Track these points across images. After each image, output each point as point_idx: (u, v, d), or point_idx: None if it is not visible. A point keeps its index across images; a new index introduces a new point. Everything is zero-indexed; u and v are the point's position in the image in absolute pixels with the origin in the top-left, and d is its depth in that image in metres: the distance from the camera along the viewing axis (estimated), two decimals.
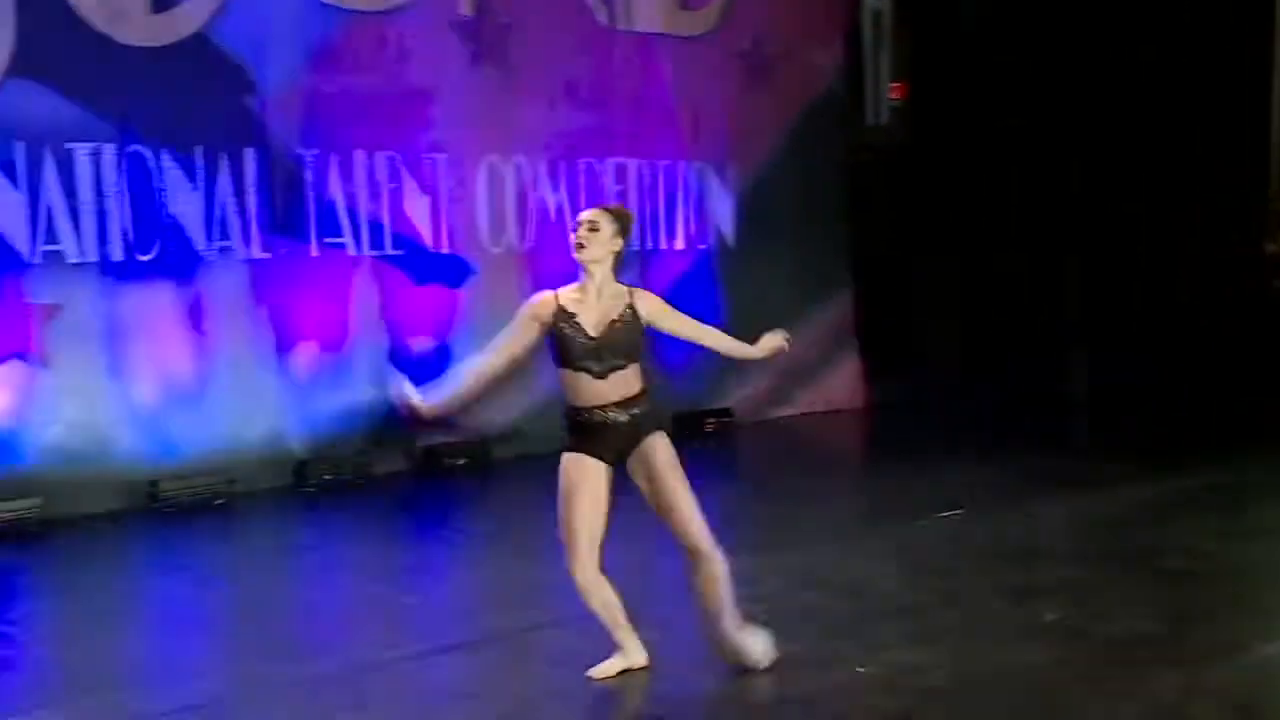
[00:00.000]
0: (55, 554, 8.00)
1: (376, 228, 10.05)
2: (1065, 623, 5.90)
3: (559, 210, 11.03)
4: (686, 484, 5.07)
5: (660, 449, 5.04)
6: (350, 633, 6.21)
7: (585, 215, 5.08)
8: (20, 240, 8.55)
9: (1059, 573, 6.77)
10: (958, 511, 8.08)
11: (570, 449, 5.04)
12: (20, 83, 8.47)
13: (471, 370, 5.18)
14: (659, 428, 5.08)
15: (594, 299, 4.99)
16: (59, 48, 8.63)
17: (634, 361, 5.01)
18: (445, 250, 10.40)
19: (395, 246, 10.14)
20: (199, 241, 9.22)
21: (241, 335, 9.37)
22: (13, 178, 8.52)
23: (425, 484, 9.89)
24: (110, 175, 8.86)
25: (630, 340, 4.97)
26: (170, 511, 8.72)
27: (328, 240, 9.79)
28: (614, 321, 4.96)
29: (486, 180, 10.62)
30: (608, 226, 5.01)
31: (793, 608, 6.33)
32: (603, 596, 5.14)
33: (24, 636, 6.51)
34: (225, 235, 9.34)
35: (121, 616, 6.78)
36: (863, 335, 13.16)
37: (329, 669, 5.50)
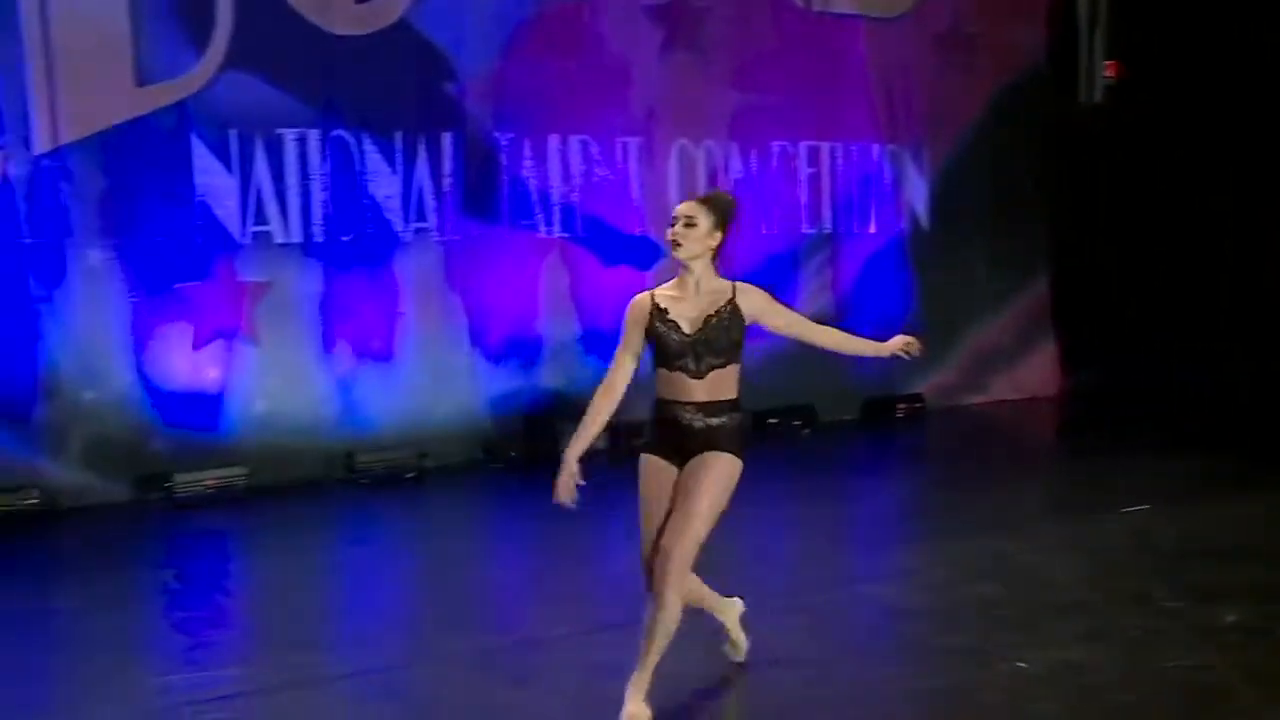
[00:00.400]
0: (258, 520, 8.41)
1: (568, 210, 10.25)
2: (1246, 625, 5.72)
3: (751, 194, 11.06)
4: (707, 515, 4.67)
5: (717, 467, 4.67)
6: (524, 608, 6.40)
7: (681, 209, 4.80)
8: (232, 222, 9.00)
9: (1246, 573, 6.53)
10: (1144, 507, 7.87)
11: (645, 448, 4.77)
12: (234, 74, 8.89)
13: (594, 411, 4.78)
14: (733, 450, 4.71)
15: (692, 295, 4.73)
16: (271, 39, 9.03)
17: (733, 361, 4.71)
18: (636, 232, 10.55)
19: (585, 229, 10.33)
20: (397, 223, 9.56)
21: (435, 314, 9.68)
22: (226, 163, 8.97)
23: (614, 463, 10.05)
24: (315, 159, 9.26)
25: (728, 338, 4.68)
26: (365, 483, 9.08)
27: (520, 222, 10.04)
28: (710, 318, 4.69)
29: (677, 163, 10.72)
30: (705, 220, 4.74)
31: (963, 598, 6.29)
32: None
33: (228, 597, 6.90)
34: (422, 217, 9.66)
35: (315, 581, 7.12)
36: (1060, 322, 12.84)
37: (500, 642, 5.69)
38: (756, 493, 8.57)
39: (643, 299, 4.81)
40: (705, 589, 5.09)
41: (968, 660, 5.39)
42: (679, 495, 4.66)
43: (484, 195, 9.91)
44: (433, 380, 9.65)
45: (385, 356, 9.50)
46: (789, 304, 11.25)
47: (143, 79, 8.66)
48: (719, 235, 4.77)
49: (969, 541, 7.30)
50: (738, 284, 4.78)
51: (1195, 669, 5.21)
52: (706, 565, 6.98)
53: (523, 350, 10.03)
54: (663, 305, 4.74)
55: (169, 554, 7.75)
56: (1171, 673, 5.20)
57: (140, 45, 8.62)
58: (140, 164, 8.64)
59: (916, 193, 12.03)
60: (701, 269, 4.75)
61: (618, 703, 4.72)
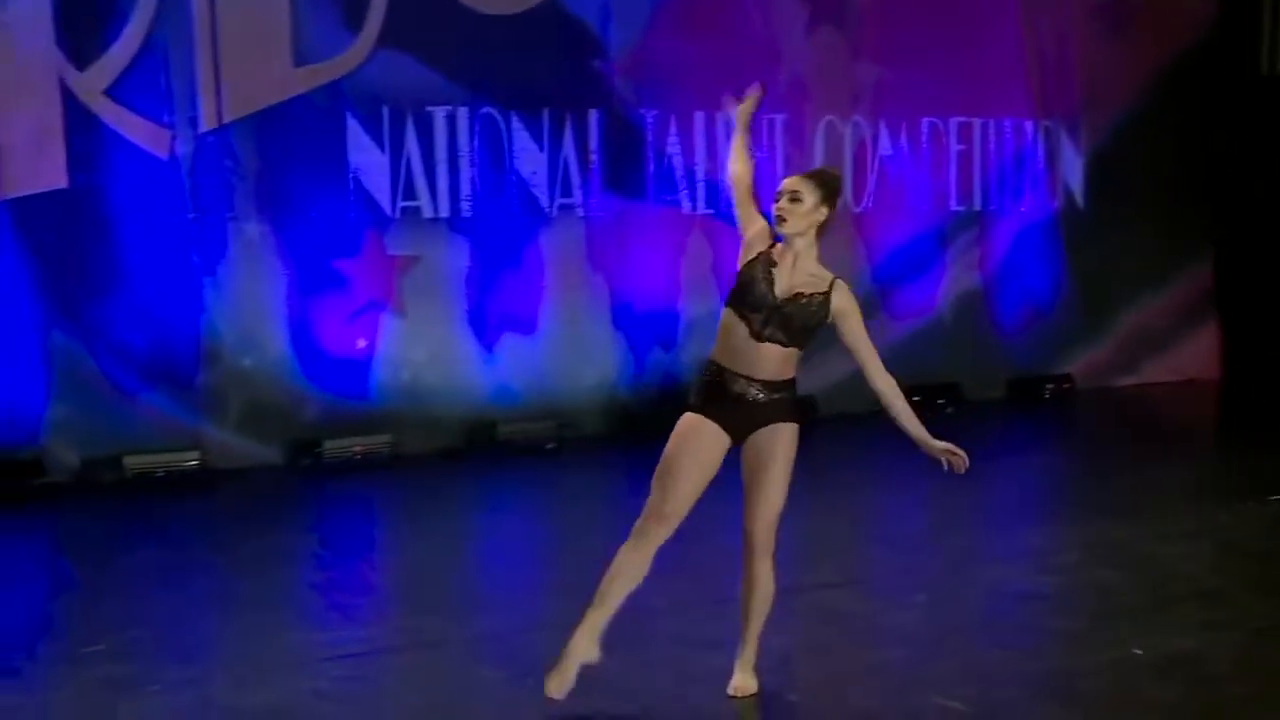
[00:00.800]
0: (401, 485, 8.73)
1: (712, 187, 10.32)
2: None
3: (899, 171, 11.00)
4: (786, 484, 4.71)
5: (785, 437, 4.67)
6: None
7: (787, 184, 4.70)
8: (383, 197, 9.30)
9: None
10: None
11: (695, 409, 4.69)
12: (387, 53, 9.18)
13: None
14: (795, 420, 4.72)
15: (789, 266, 4.64)
16: (423, 19, 9.29)
17: (797, 345, 4.65)
18: None
19: (729, 206, 10.37)
20: (542, 199, 9.77)
21: (578, 288, 9.86)
22: (378, 140, 9.27)
23: None
24: (464, 137, 9.51)
25: (804, 322, 4.62)
26: (506, 452, 9.32)
27: (664, 199, 10.15)
28: (800, 295, 4.61)
29: (824, 140, 10.70)
30: (810, 196, 4.64)
31: (1084, 582, 6.25)
32: (626, 583, 4.69)
33: (366, 560, 7.18)
34: (567, 193, 9.84)
35: (450, 547, 7.35)
36: (1223, 304, 12.45)
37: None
38: (889, 471, 8.72)
39: (755, 244, 4.70)
40: (756, 634, 4.88)
41: (1078, 644, 5.37)
42: (754, 470, 4.68)
43: (628, 172, 10.04)
44: (574, 353, 9.85)
45: (528, 329, 9.72)
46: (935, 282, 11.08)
47: (300, 59, 9.00)
48: (825, 211, 4.69)
49: (1100, 525, 7.23)
50: (839, 280, 4.72)
51: None
52: (829, 546, 7.10)
53: (663, 325, 10.15)
54: (775, 259, 4.66)
55: (315, 517, 8.10)
56: None
57: (298, 26, 8.96)
58: (297, 141, 8.99)
59: (1072, 170, 11.79)
60: (803, 246, 4.68)
61: (719, 674, 4.83)
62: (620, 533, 6.92)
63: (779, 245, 4.70)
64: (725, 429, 4.65)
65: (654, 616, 5.71)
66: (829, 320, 4.67)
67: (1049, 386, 11.43)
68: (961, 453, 4.75)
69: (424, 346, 9.42)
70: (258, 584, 6.47)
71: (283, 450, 9.04)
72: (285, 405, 9.04)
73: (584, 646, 4.61)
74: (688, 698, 4.84)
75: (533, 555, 7.23)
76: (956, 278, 11.28)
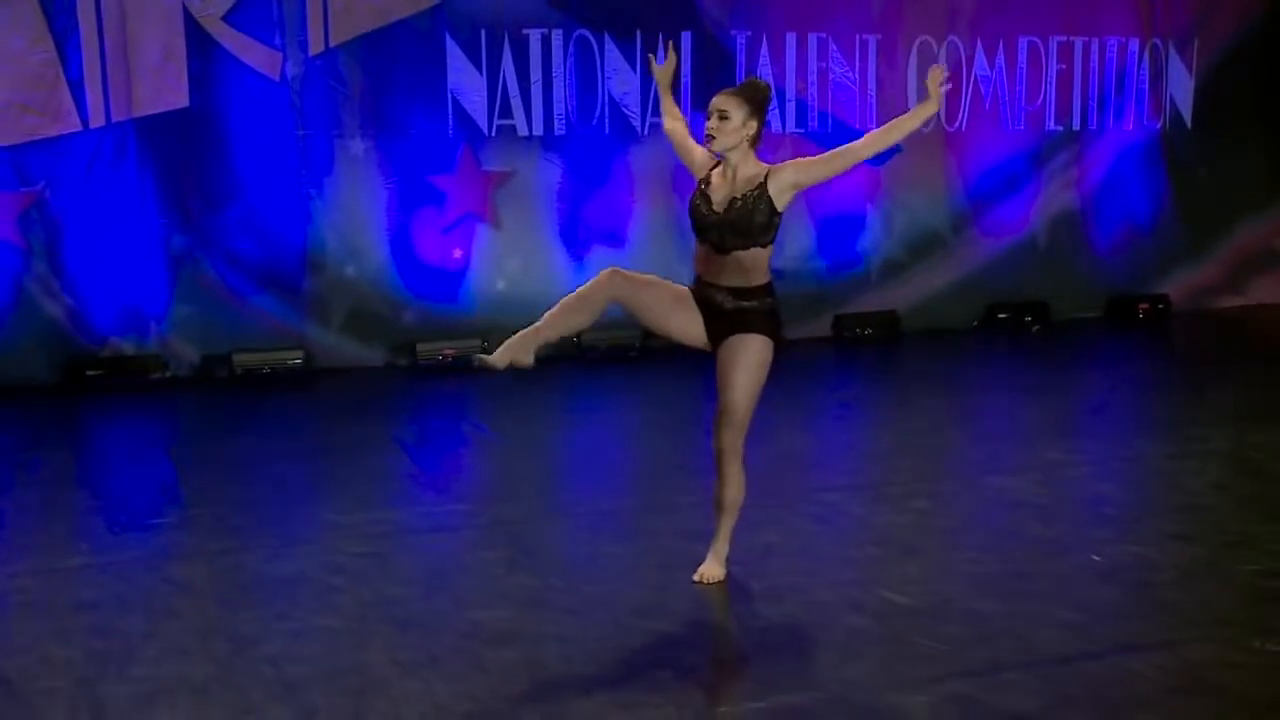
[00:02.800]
0: (490, 386, 9.32)
1: (802, 106, 10.62)
2: None
3: (995, 91, 11.09)
4: (748, 392, 5.01)
5: (749, 347, 4.99)
6: (672, 477, 6.96)
7: (714, 103, 5.01)
8: (480, 116, 9.87)
9: None
10: None
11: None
12: None
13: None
14: (764, 331, 5.01)
15: (729, 181, 5.01)
16: None
17: (755, 244, 4.95)
18: (873, 129, 10.78)
19: (820, 125, 10.68)
20: (634, 118, 10.21)
21: (667, 204, 10.30)
22: (476, 62, 9.82)
23: (835, 351, 10.51)
24: (558, 58, 9.99)
25: (749, 221, 4.91)
26: (592, 359, 9.89)
27: None
28: (735, 200, 4.93)
29: (917, 60, 10.86)
30: (737, 112, 4.96)
31: (1080, 495, 6.54)
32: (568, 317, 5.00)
33: (444, 452, 7.78)
34: (657, 113, 10.23)
35: (525, 444, 7.86)
36: None
37: (630, 505, 6.39)
38: (939, 386, 9.03)
39: (707, 162, 5.14)
40: (728, 529, 5.29)
41: (1043, 550, 5.69)
42: (720, 377, 5.06)
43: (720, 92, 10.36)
44: (661, 267, 10.17)
45: (618, 243, 10.23)
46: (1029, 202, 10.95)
47: None
48: (754, 125, 4.99)
49: (1125, 441, 7.51)
50: (771, 167, 5.01)
51: (1264, 573, 5.36)
52: (855, 454, 7.49)
53: None
54: (709, 178, 5.07)
55: (405, 413, 8.79)
56: (1244, 576, 5.37)
57: None
58: (398, 64, 9.60)
59: (1180, 88, 11.70)
60: (738, 158, 5.00)
61: (698, 562, 5.32)
62: (692, 437, 7.39)
63: (718, 165, 5.10)
64: (701, 313, 5.04)
65: (651, 512, 6.27)
66: (780, 205, 4.95)
67: (1143, 306, 11.48)
68: (938, 66, 5.17)
69: (516, 258, 10.03)
70: (334, 468, 7.21)
71: (383, 351, 9.79)
72: (384, 310, 9.78)
73: (522, 349, 4.96)
74: (664, 582, 5.33)
75: (588, 453, 7.78)
76: (1051, 197, 11.37)
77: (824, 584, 5.33)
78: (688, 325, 5.09)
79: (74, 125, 9.04)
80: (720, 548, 5.33)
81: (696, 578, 5.30)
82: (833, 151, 5.04)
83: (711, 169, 5.14)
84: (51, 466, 7.30)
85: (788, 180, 4.98)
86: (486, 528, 6.13)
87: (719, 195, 5.02)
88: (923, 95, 5.17)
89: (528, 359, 4.98)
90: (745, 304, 5.03)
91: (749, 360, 5.03)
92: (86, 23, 8.95)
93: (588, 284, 5.01)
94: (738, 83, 10.07)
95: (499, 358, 4.98)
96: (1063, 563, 5.54)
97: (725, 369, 5.06)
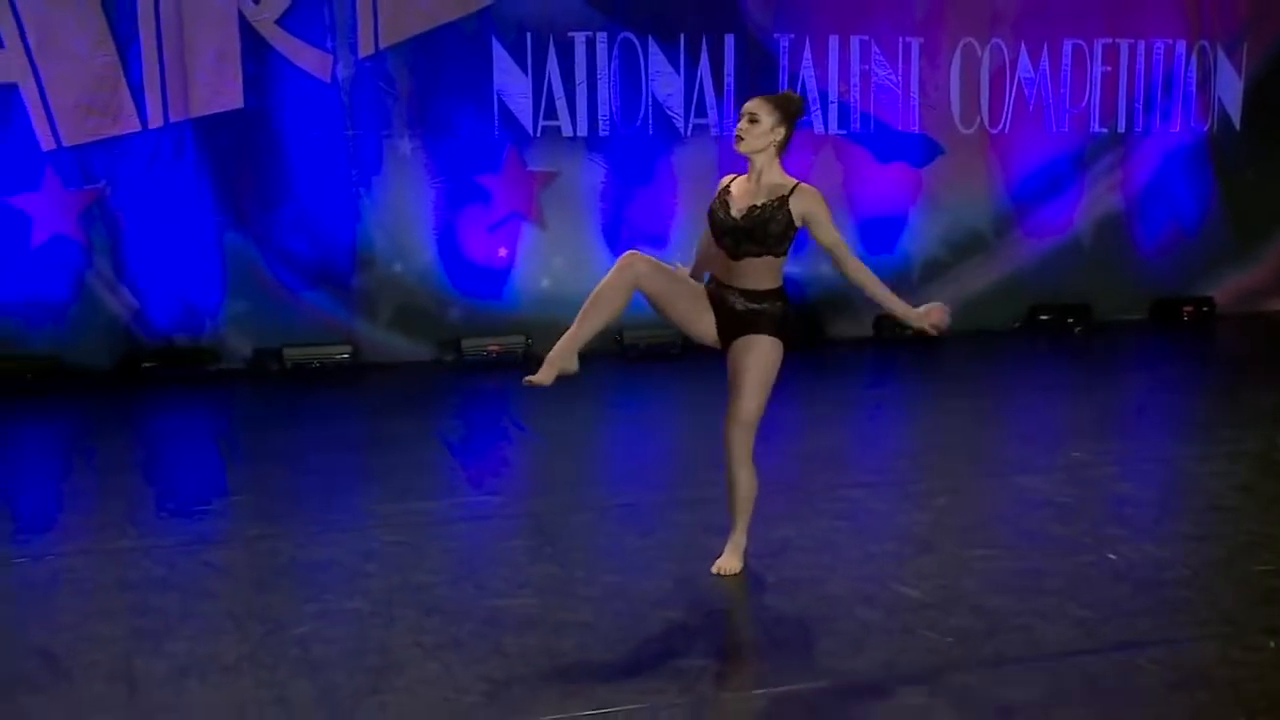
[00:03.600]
0: None
1: (844, 109, 10.73)
2: None
3: (1039, 93, 11.14)
4: (757, 395, 5.16)
5: (759, 349, 5.15)
6: (695, 472, 7.11)
7: (747, 106, 5.16)
8: (525, 117, 10.08)
9: None
10: None
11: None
12: None
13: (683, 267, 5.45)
14: (775, 333, 5.16)
15: (753, 186, 5.15)
16: None
17: (769, 253, 5.11)
18: (914, 130, 10.91)
19: (862, 126, 10.79)
20: (677, 120, 10.38)
21: (708, 204, 10.38)
22: (522, 64, 10.03)
23: (875, 351, 10.61)
24: (603, 60, 10.17)
25: (766, 230, 5.06)
26: (634, 357, 10.06)
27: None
28: (755, 208, 5.08)
29: (960, 63, 10.94)
30: (767, 118, 5.11)
31: (1104, 494, 6.61)
32: (603, 311, 5.13)
33: (485, 445, 7.97)
34: (702, 114, 10.42)
35: (566, 439, 8.02)
36: None
37: (650, 499, 6.55)
38: (976, 386, 9.11)
39: (723, 180, 5.33)
40: (744, 524, 5.42)
41: (1059, 549, 5.78)
42: (730, 379, 5.23)
43: (762, 93, 10.46)
44: None
45: (660, 243, 10.38)
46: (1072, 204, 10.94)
47: None
48: (782, 131, 5.13)
49: (1155, 442, 7.59)
50: (801, 185, 5.14)
51: (1278, 573, 5.44)
52: (885, 451, 7.59)
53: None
54: (730, 188, 5.24)
55: (450, 408, 9.01)
56: (1257, 576, 5.45)
57: None
58: (446, 66, 9.83)
59: (1228, 90, 11.66)
60: (764, 162, 5.14)
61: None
62: (709, 431, 7.39)
63: (739, 177, 5.27)
64: (715, 314, 5.18)
65: (676, 506, 6.44)
66: (797, 223, 5.10)
67: (1187, 309, 11.48)
68: (941, 307, 5.22)
69: (561, 256, 10.22)
70: (374, 460, 7.46)
71: (428, 348, 10.03)
72: (431, 307, 10.01)
73: (564, 357, 5.13)
74: (683, 573, 5.50)
75: (634, 451, 7.91)
76: (1096, 199, 11.39)
77: (839, 577, 5.48)
78: (700, 320, 5.21)
79: (134, 126, 9.35)
80: (738, 540, 5.48)
81: (715, 570, 5.45)
82: (843, 243, 5.16)
83: (733, 180, 5.30)
84: (108, 453, 7.60)
85: (807, 211, 5.10)
86: (516, 519, 6.33)
87: (741, 203, 5.16)
88: (921, 310, 5.22)
89: (572, 366, 5.15)
90: (756, 306, 5.17)
91: (758, 362, 5.17)
92: (147, 28, 9.25)
93: (609, 274, 5.12)
94: (780, 86, 10.48)
95: (545, 376, 5.13)
96: (1077, 561, 5.64)
97: (735, 370, 5.22)
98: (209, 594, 5.29)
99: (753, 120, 5.13)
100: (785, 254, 5.19)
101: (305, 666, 4.57)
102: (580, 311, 5.14)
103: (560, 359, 5.13)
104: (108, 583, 5.45)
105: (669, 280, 5.18)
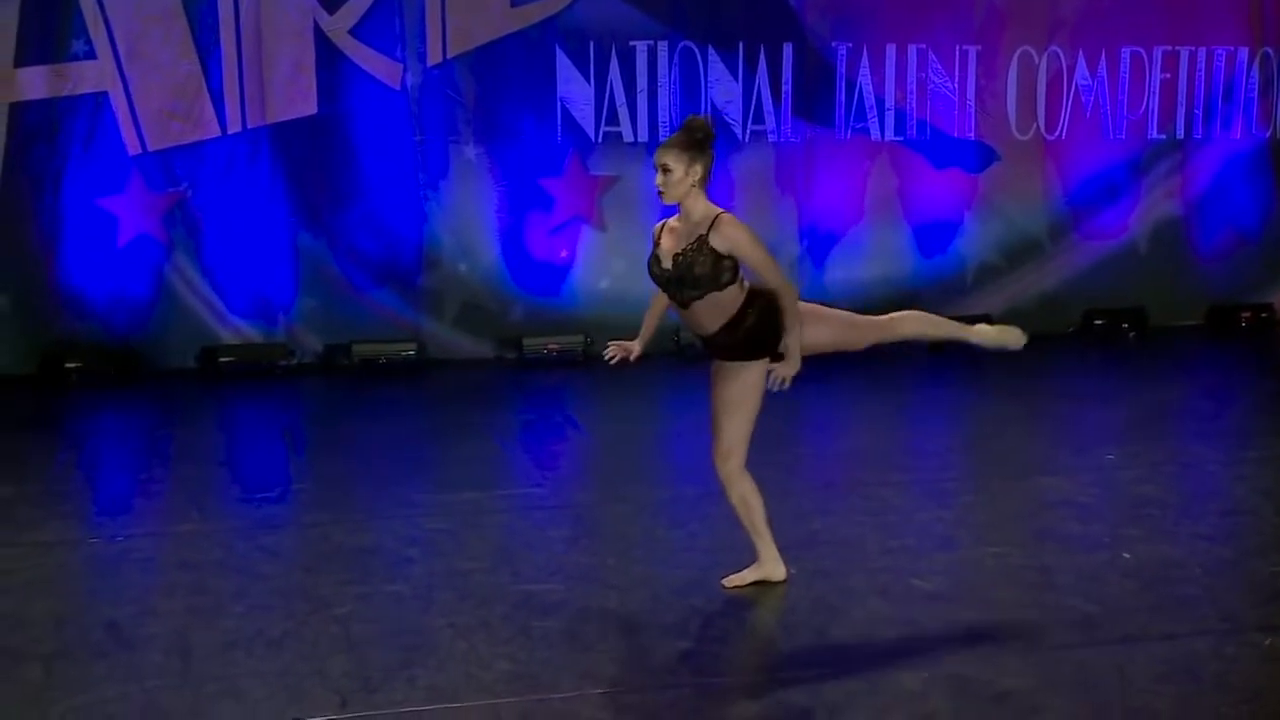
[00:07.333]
0: (592, 381, 9.88)
1: (902, 115, 10.92)
2: None
3: (1096, 100, 11.24)
4: (739, 423, 5.21)
5: (738, 379, 5.15)
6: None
7: (656, 157, 5.02)
8: (587, 123, 10.42)
9: None
10: None
11: None
12: None
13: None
14: (752, 355, 5.12)
15: (682, 226, 5.06)
16: None
17: (710, 290, 4.99)
18: (970, 137, 11.08)
19: (919, 133, 10.98)
20: (735, 126, 10.65)
21: (767, 209, 10.70)
22: (585, 72, 10.36)
23: (925, 355, 10.77)
24: (663, 68, 10.48)
25: (695, 273, 4.96)
26: (687, 356, 10.30)
27: (854, 126, 10.83)
28: (677, 255, 5.00)
29: (1018, 70, 11.08)
30: (676, 164, 4.97)
31: (1124, 495, 6.79)
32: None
33: (540, 438, 8.33)
34: (760, 121, 10.68)
35: (618, 433, 8.42)
36: None
37: (684, 493, 6.83)
38: (1021, 389, 9.26)
39: (656, 227, 5.22)
40: (763, 533, 5.49)
41: (1075, 546, 5.99)
42: (713, 407, 5.30)
43: (819, 101, 10.76)
44: None
45: None
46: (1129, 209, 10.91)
47: (516, 0, 10.18)
48: (698, 168, 4.98)
49: (1186, 446, 7.71)
50: (721, 216, 4.97)
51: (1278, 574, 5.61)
52: (919, 451, 7.79)
53: (845, 246, 10.90)
54: (660, 237, 5.16)
55: (510, 402, 9.35)
56: (1264, 577, 5.63)
57: None
58: (511, 74, 10.19)
59: None
60: (691, 203, 5.04)
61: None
62: (778, 434, 7.68)
63: (669, 221, 5.20)
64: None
65: (710, 499, 6.69)
66: (725, 255, 4.94)
67: (1245, 315, 11.52)
68: (784, 372, 5.12)
69: (620, 258, 10.52)
70: (430, 452, 7.88)
71: (490, 345, 10.41)
72: (494, 306, 10.38)
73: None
74: (707, 563, 5.77)
75: (680, 446, 8.19)
76: (1153, 205, 11.47)
77: (856, 571, 5.74)
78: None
79: (214, 131, 9.82)
80: (767, 551, 5.51)
81: (753, 579, 5.52)
82: (769, 265, 5.07)
83: (663, 226, 5.21)
84: (182, 444, 8.08)
85: (731, 242, 4.97)
86: (558, 510, 6.66)
87: (669, 251, 5.09)
88: (792, 356, 5.14)
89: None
90: (731, 338, 5.12)
91: (740, 388, 5.19)
92: (227, 38, 9.72)
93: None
94: (838, 94, 10.71)
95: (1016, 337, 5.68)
96: (1089, 559, 5.84)
97: (715, 399, 5.28)
98: (261, 575, 5.68)
99: (665, 171, 5.00)
100: (733, 282, 5.03)
101: (344, 643, 4.94)
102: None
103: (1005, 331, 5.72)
104: (170, 563, 5.89)
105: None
